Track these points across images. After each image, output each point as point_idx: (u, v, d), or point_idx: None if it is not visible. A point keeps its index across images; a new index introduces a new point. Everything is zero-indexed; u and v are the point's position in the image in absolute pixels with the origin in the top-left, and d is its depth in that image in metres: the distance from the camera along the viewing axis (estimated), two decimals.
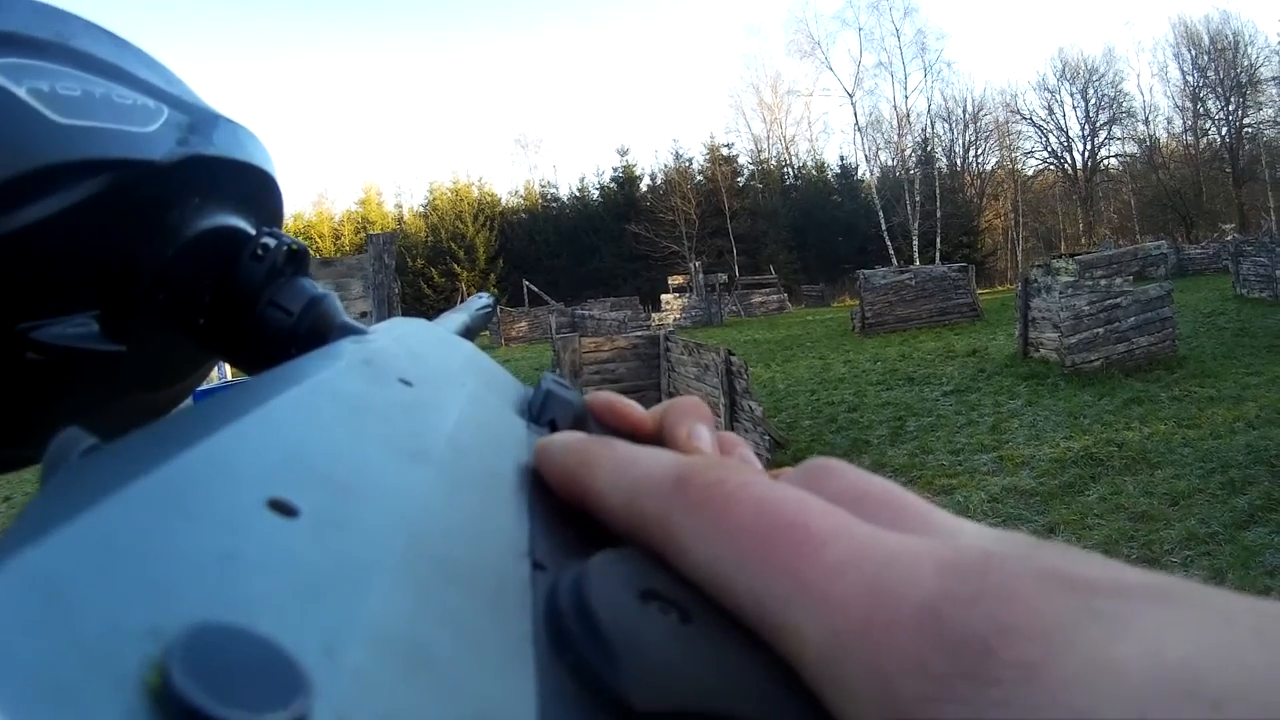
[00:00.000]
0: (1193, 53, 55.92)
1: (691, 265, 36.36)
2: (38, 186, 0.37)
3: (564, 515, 0.29)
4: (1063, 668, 0.17)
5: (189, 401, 0.47)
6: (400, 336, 0.43)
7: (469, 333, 0.62)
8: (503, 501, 0.27)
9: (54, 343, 0.39)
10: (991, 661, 0.18)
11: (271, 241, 0.49)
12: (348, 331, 0.49)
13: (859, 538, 0.22)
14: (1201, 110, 55.26)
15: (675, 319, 31.26)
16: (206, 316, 0.48)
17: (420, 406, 0.32)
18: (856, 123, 55.21)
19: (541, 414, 0.39)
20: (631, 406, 0.38)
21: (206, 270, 0.47)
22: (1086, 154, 57.87)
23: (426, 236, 55.84)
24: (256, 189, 0.51)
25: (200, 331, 0.48)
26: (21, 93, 0.37)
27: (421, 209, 60.15)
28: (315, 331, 0.49)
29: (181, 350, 0.50)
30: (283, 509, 0.19)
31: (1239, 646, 0.17)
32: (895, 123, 54.54)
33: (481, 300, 0.73)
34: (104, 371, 0.42)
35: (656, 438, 0.37)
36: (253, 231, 0.49)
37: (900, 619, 0.19)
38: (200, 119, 0.46)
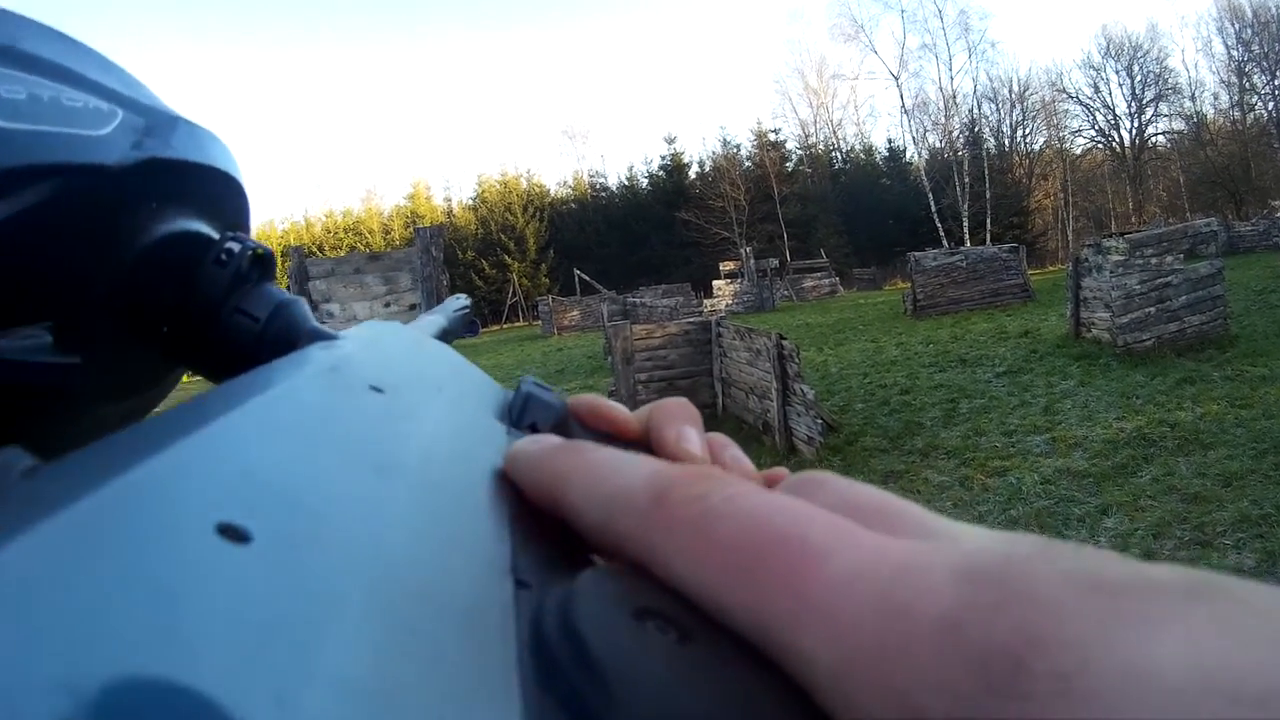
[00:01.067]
0: (1236, 27, 54.23)
1: (742, 251, 36.26)
2: None
3: (548, 525, 0.27)
4: (1099, 676, 0.16)
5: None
6: (372, 341, 0.42)
7: (446, 335, 0.61)
8: (481, 514, 0.26)
9: (2, 356, 0.37)
10: (1022, 675, 0.16)
11: (235, 246, 0.47)
12: (317, 337, 0.47)
13: (864, 547, 0.20)
14: (1247, 85, 53.69)
15: (727, 305, 31.13)
16: (170, 324, 0.46)
17: (391, 415, 0.31)
18: (903, 105, 54.71)
19: (521, 418, 0.38)
20: (616, 409, 0.37)
21: (168, 277, 0.45)
22: (1134, 131, 56.52)
23: (476, 229, 56.06)
24: (219, 192, 0.50)
25: (164, 340, 0.47)
26: None
27: (470, 202, 60.42)
28: (283, 338, 0.47)
29: (145, 359, 0.48)
30: (233, 534, 0.17)
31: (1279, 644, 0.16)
32: (942, 104, 53.97)
33: (459, 301, 0.72)
34: (61, 385, 0.40)
35: (642, 441, 0.35)
36: (215, 236, 0.48)
37: (918, 635, 0.18)
38: (157, 121, 0.44)
